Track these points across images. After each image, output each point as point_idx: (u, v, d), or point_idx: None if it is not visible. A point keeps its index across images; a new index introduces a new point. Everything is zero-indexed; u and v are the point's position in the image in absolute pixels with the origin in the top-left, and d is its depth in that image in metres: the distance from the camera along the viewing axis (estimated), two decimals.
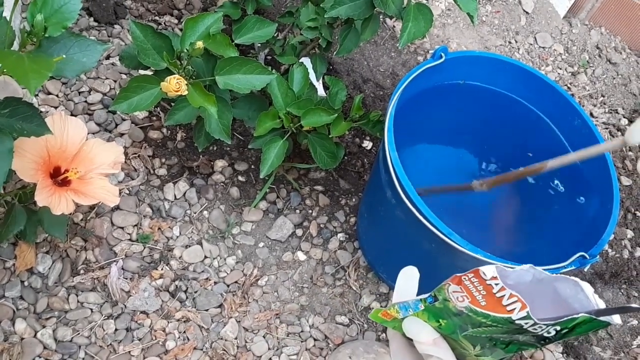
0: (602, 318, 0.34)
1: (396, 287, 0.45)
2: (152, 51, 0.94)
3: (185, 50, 0.93)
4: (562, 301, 0.37)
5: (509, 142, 1.27)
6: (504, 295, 0.35)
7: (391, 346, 0.45)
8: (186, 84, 0.90)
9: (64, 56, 0.68)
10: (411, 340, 0.43)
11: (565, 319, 0.34)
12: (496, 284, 0.35)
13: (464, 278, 0.36)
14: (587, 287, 0.37)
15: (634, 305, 0.34)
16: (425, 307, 0.41)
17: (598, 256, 0.94)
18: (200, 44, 0.90)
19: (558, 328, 0.35)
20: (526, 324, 0.35)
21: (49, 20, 0.64)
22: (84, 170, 0.90)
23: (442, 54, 1.07)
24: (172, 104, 1.06)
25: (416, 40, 1.38)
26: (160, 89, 0.92)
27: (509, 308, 0.35)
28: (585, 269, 0.93)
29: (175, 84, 0.87)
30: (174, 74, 0.92)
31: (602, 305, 0.36)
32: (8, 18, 0.71)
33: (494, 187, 1.05)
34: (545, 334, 0.36)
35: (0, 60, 0.59)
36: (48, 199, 0.83)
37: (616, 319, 0.34)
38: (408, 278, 0.45)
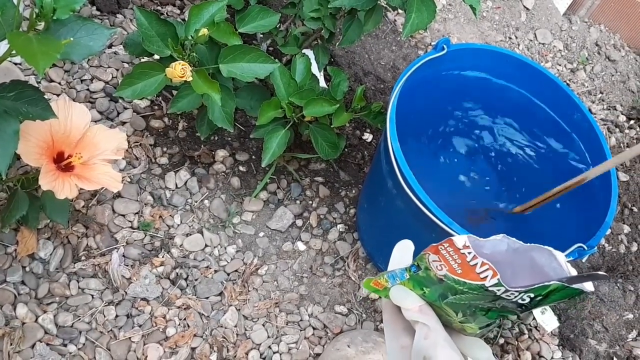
0: (574, 285, 0.36)
1: (391, 259, 0.46)
2: (156, 38, 0.95)
3: (190, 38, 0.93)
4: (539, 269, 0.39)
5: (507, 135, 1.28)
6: (477, 264, 0.37)
7: (384, 315, 0.47)
8: (191, 71, 0.90)
9: (72, 39, 0.68)
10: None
11: (536, 286, 0.36)
12: (469, 253, 0.37)
13: (441, 247, 0.39)
14: (560, 256, 0.39)
15: (601, 272, 0.36)
16: (410, 275, 0.43)
17: (595, 248, 0.95)
18: (205, 31, 0.91)
19: (532, 295, 0.37)
20: (499, 290, 0.37)
21: (58, 2, 0.65)
22: (87, 156, 0.90)
23: (445, 46, 1.07)
24: (175, 92, 1.07)
25: (418, 32, 1.38)
26: (165, 75, 0.93)
27: (482, 275, 0.37)
28: (583, 260, 0.94)
29: (180, 70, 0.88)
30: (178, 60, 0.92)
31: (574, 273, 0.38)
32: (15, 2, 0.71)
33: (534, 209, 1.08)
34: (520, 301, 0.38)
35: (9, 41, 0.60)
36: (52, 183, 0.83)
37: (588, 286, 0.36)
38: (403, 250, 0.46)
